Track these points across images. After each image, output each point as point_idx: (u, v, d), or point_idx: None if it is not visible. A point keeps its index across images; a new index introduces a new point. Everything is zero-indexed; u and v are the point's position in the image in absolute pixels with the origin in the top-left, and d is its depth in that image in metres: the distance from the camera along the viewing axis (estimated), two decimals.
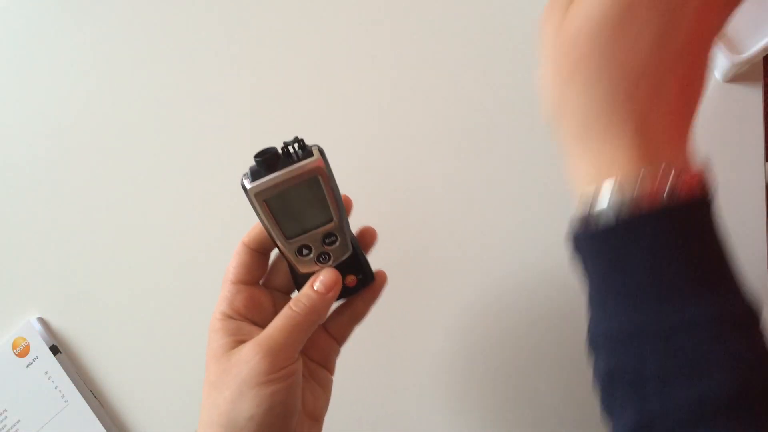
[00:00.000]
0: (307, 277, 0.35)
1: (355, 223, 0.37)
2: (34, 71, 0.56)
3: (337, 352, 0.39)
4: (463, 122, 0.51)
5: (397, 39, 0.53)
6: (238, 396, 0.31)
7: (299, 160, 0.31)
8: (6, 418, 0.51)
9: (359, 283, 0.37)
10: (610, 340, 0.26)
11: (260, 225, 0.35)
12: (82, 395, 0.51)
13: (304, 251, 0.34)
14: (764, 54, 0.47)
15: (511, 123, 0.51)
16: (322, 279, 0.34)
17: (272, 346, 0.32)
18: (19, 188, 0.55)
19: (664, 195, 0.25)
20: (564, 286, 0.49)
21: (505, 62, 0.51)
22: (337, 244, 0.34)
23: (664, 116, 0.26)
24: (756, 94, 0.49)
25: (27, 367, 0.52)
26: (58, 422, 0.51)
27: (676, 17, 0.25)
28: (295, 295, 0.36)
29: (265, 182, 0.31)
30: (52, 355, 0.52)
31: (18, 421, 0.51)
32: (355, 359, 0.49)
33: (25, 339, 0.52)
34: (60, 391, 0.51)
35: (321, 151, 0.31)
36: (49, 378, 0.52)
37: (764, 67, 0.49)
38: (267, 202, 0.31)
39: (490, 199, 0.50)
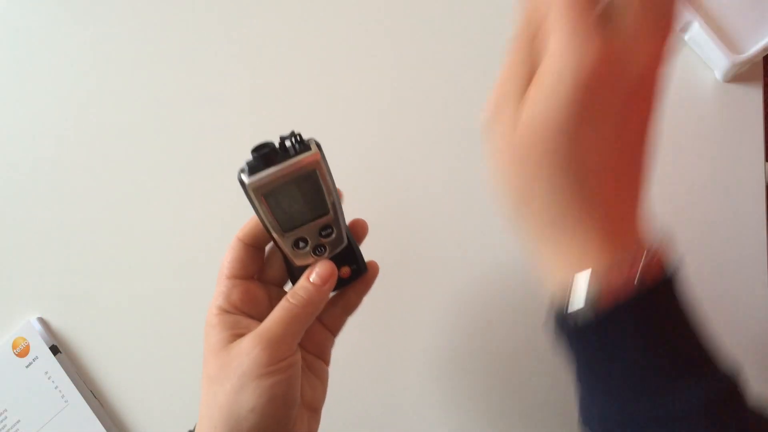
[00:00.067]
0: (302, 269, 0.35)
1: (350, 217, 0.38)
2: (32, 71, 0.56)
3: (332, 343, 0.39)
4: (462, 121, 0.51)
5: (397, 38, 0.53)
6: (239, 388, 0.31)
7: (296, 154, 0.31)
8: (6, 418, 0.51)
9: (353, 274, 0.37)
10: (605, 425, 0.27)
11: (254, 220, 0.35)
12: (82, 395, 0.51)
13: (301, 244, 0.34)
14: (764, 54, 0.47)
15: None
16: (318, 271, 0.35)
17: (272, 338, 0.32)
18: (19, 188, 0.55)
19: (636, 281, 0.25)
20: None
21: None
22: (333, 236, 0.35)
23: (625, 202, 0.27)
24: (756, 94, 0.49)
25: (27, 367, 0.52)
26: (58, 422, 0.51)
27: (628, 112, 0.26)
28: (289, 287, 0.36)
29: (262, 177, 0.31)
30: (52, 355, 0.52)
31: (18, 421, 0.51)
32: (353, 355, 0.49)
33: (25, 339, 0.52)
34: (60, 391, 0.51)
35: (318, 145, 0.32)
36: (49, 378, 0.52)
37: (764, 67, 0.49)
38: (264, 197, 0.31)
39: (488, 197, 0.50)
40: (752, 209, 0.48)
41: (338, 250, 0.35)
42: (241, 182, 0.31)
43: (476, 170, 0.51)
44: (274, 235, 0.34)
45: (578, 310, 0.26)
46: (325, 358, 0.39)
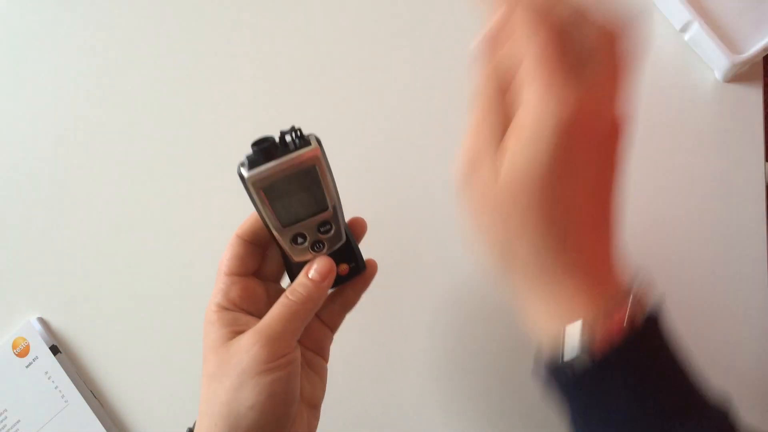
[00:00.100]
0: (300, 265, 0.35)
1: (349, 215, 0.38)
2: (32, 71, 0.56)
3: (330, 340, 0.39)
4: (464, 121, 0.51)
5: (399, 36, 0.53)
6: (238, 385, 0.31)
7: (297, 149, 0.31)
8: (6, 418, 0.51)
9: (351, 271, 0.37)
10: None
11: (254, 216, 0.35)
12: (82, 395, 0.51)
13: (299, 239, 0.34)
14: (764, 54, 0.47)
15: None
16: (316, 267, 0.35)
17: (271, 334, 0.32)
18: (19, 188, 0.55)
19: (625, 324, 0.26)
20: None
21: None
22: (332, 232, 0.35)
23: (604, 248, 0.28)
24: (756, 94, 0.49)
25: (27, 367, 0.52)
26: (58, 422, 0.51)
27: (603, 158, 0.27)
28: (287, 284, 0.37)
29: (262, 171, 0.31)
30: (52, 355, 0.52)
31: (18, 421, 0.51)
32: (352, 354, 0.49)
33: (25, 339, 0.52)
34: (60, 391, 0.51)
35: (318, 141, 0.31)
36: (49, 378, 0.52)
37: (764, 67, 0.49)
38: (264, 191, 0.31)
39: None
40: (752, 209, 0.48)
41: (337, 246, 0.35)
42: (241, 176, 0.31)
43: None
44: (273, 230, 0.33)
45: (573, 359, 0.27)
46: (324, 355, 0.39)
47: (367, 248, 0.38)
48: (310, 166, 0.31)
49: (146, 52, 0.55)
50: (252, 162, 0.31)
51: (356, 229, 0.38)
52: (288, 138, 0.31)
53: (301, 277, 0.35)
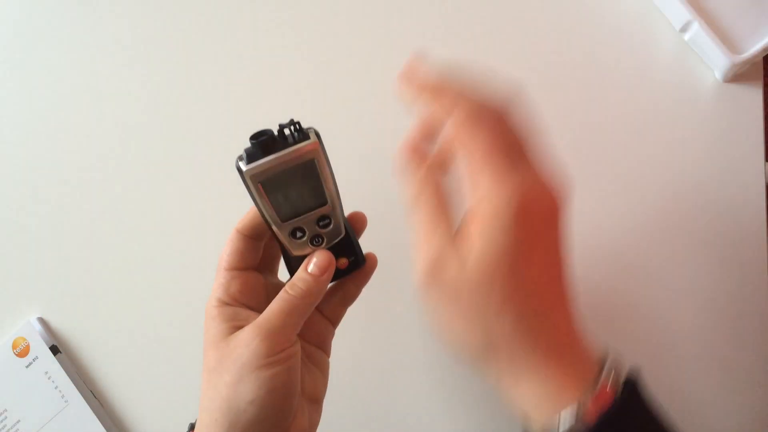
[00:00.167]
0: (299, 260, 0.35)
1: (349, 210, 0.37)
2: (32, 71, 0.56)
3: (332, 334, 0.39)
4: None
5: (399, 32, 0.53)
6: (238, 380, 0.31)
7: (295, 142, 0.30)
8: (6, 418, 0.51)
9: (351, 265, 0.37)
10: None
11: (253, 211, 0.35)
12: (82, 395, 0.51)
13: (298, 234, 0.34)
14: (764, 54, 0.47)
15: None
16: (315, 261, 0.35)
17: (270, 329, 0.32)
18: (19, 188, 0.55)
19: (609, 389, 0.27)
20: None
21: (508, 59, 0.51)
22: (331, 227, 0.34)
23: (574, 320, 0.29)
24: (756, 94, 0.49)
25: (27, 367, 0.52)
26: (58, 422, 0.51)
27: (555, 236, 0.29)
28: (286, 278, 0.36)
29: (260, 165, 0.30)
30: (52, 355, 0.52)
31: (18, 421, 0.51)
32: (353, 352, 0.49)
33: (25, 339, 0.52)
34: (60, 391, 0.51)
35: (317, 134, 0.31)
36: (49, 378, 0.52)
37: (764, 67, 0.49)
38: (262, 185, 0.31)
39: None
40: (752, 209, 0.48)
41: (336, 241, 0.35)
42: (239, 170, 0.31)
43: None
44: (272, 224, 0.33)
45: (568, 430, 0.27)
46: (325, 349, 0.39)
47: (367, 242, 0.38)
48: (309, 159, 0.31)
49: (145, 50, 0.55)
50: (250, 155, 0.30)
51: (356, 223, 0.38)
52: (287, 131, 0.31)
53: (300, 272, 0.35)
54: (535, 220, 0.28)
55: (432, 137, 0.33)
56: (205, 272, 0.53)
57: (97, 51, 0.56)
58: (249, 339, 0.32)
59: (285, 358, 0.32)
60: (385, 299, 0.50)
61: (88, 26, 0.56)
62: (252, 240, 0.36)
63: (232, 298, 0.35)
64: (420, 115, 0.31)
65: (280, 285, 0.35)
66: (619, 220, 0.49)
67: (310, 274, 0.34)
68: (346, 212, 0.36)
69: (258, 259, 0.37)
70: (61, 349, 0.53)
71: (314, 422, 0.36)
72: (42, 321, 0.54)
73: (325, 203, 0.33)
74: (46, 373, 0.52)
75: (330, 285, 0.38)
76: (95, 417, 0.51)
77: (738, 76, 0.49)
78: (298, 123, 0.31)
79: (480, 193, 0.28)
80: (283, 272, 0.38)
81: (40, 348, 0.52)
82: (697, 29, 0.47)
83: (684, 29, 0.49)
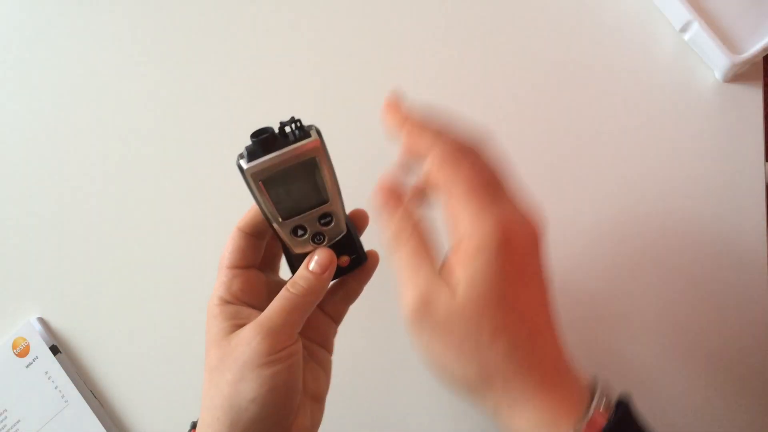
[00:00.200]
0: (301, 257, 0.35)
1: (351, 206, 0.37)
2: (32, 71, 0.56)
3: (334, 332, 0.39)
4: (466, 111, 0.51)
5: (400, 30, 0.53)
6: (239, 378, 0.31)
7: (296, 140, 0.30)
8: (6, 418, 0.51)
9: (352, 263, 0.37)
10: None
11: (254, 209, 0.35)
12: (82, 395, 0.51)
13: (299, 231, 0.34)
14: (764, 54, 0.47)
15: (514, 115, 0.51)
16: (317, 259, 0.35)
17: (272, 327, 0.32)
18: (19, 188, 0.55)
19: (602, 410, 0.28)
20: (561, 281, 0.49)
21: (508, 58, 0.51)
22: (332, 224, 0.34)
23: (561, 344, 0.30)
24: (756, 94, 0.49)
25: (27, 367, 0.52)
26: (58, 422, 0.51)
27: (537, 264, 0.30)
28: (288, 275, 0.36)
29: (261, 162, 0.30)
30: (52, 355, 0.52)
31: (18, 421, 0.51)
32: (355, 352, 0.49)
33: (25, 339, 0.52)
34: (60, 391, 0.51)
35: (318, 132, 0.31)
36: (49, 378, 0.52)
37: (764, 67, 0.49)
38: (263, 183, 0.31)
39: None
40: (752, 209, 0.48)
41: (337, 238, 0.35)
42: (240, 167, 0.31)
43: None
44: (273, 222, 0.33)
45: None
46: (328, 347, 0.39)
47: (369, 240, 0.38)
48: (310, 157, 0.31)
49: (147, 50, 0.55)
50: (251, 153, 0.30)
51: (358, 220, 0.38)
52: (288, 129, 0.31)
53: (301, 270, 0.35)
54: (519, 250, 0.29)
55: (410, 173, 0.34)
56: (205, 272, 0.53)
57: (99, 50, 0.56)
58: (250, 337, 0.32)
59: (286, 357, 0.32)
60: (387, 297, 0.50)
61: (90, 24, 0.56)
62: (253, 238, 0.36)
63: (233, 297, 0.35)
64: (402, 146, 0.32)
65: (282, 283, 0.35)
66: (619, 219, 0.49)
67: (311, 272, 0.34)
68: (348, 210, 0.36)
69: (260, 257, 0.37)
70: (61, 349, 0.53)
71: (316, 420, 0.36)
72: (42, 321, 0.54)
73: (326, 201, 0.33)
74: (46, 373, 0.52)
75: (332, 283, 0.38)
76: (95, 417, 0.51)
77: (738, 76, 0.49)
78: (299, 121, 0.31)
79: (462, 229, 0.29)
80: (284, 270, 0.38)
81: (40, 348, 0.52)
82: (697, 29, 0.47)
83: (684, 29, 0.49)
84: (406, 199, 0.32)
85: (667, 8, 0.49)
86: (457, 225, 0.29)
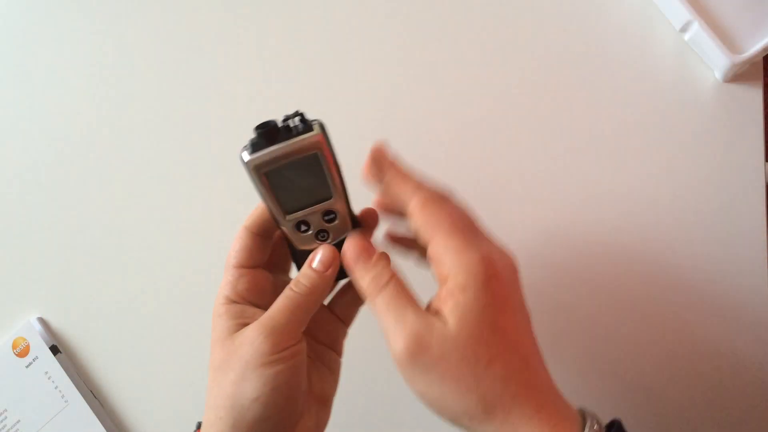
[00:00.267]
0: (305, 254, 0.35)
1: (361, 206, 0.37)
2: (32, 70, 0.56)
3: (344, 334, 0.39)
4: (470, 111, 0.51)
5: (406, 27, 0.53)
6: (242, 378, 0.31)
7: (299, 134, 0.30)
8: (6, 418, 0.51)
9: None
10: None
11: (261, 208, 0.35)
12: (82, 395, 0.51)
13: (303, 227, 0.34)
14: (764, 54, 0.47)
15: (517, 113, 0.51)
16: (320, 257, 0.34)
17: (274, 326, 0.32)
18: (19, 188, 0.55)
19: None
20: (563, 281, 0.49)
21: (508, 58, 0.51)
22: (337, 222, 0.34)
23: (546, 370, 0.31)
24: (756, 94, 0.49)
25: (27, 367, 0.52)
26: (58, 422, 0.51)
27: (518, 293, 0.32)
28: (294, 274, 0.36)
29: (262, 155, 0.30)
30: (52, 355, 0.52)
31: (18, 421, 0.51)
32: (358, 352, 0.49)
33: (25, 339, 0.52)
34: (60, 391, 0.51)
35: (322, 126, 0.31)
36: (49, 378, 0.52)
37: (764, 67, 0.49)
38: (265, 176, 0.31)
39: (497, 190, 0.50)
40: (752, 209, 0.48)
41: (343, 237, 0.35)
42: (241, 159, 0.31)
43: (486, 161, 0.51)
44: (276, 216, 0.33)
45: None
46: (337, 349, 0.39)
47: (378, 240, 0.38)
48: (312, 152, 0.31)
49: (149, 49, 0.55)
50: (254, 146, 0.30)
51: (368, 221, 0.37)
52: (291, 123, 0.31)
53: (304, 268, 0.35)
54: (502, 282, 0.30)
55: (389, 218, 0.36)
56: (205, 272, 0.53)
57: (102, 48, 0.56)
58: (253, 336, 0.32)
59: (289, 356, 0.32)
60: None
61: (94, 22, 0.56)
62: (260, 237, 0.36)
63: (239, 296, 0.34)
64: (383, 191, 0.34)
65: (289, 283, 0.35)
66: (618, 219, 0.49)
67: (313, 270, 0.34)
68: (358, 210, 0.36)
69: (266, 257, 0.37)
70: (61, 349, 0.53)
71: (322, 422, 0.36)
72: (42, 321, 0.54)
73: (329, 197, 0.33)
74: (46, 373, 0.52)
75: (342, 283, 0.38)
76: (95, 417, 0.51)
77: (738, 76, 0.49)
78: (303, 114, 0.31)
79: (448, 267, 0.30)
80: (294, 271, 0.38)
81: (40, 348, 0.52)
82: (697, 29, 0.47)
83: (684, 29, 0.49)
84: (378, 252, 0.33)
85: (667, 8, 0.49)
86: (442, 264, 0.30)
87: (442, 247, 0.31)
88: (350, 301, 0.39)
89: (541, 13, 0.51)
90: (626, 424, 0.30)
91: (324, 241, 0.35)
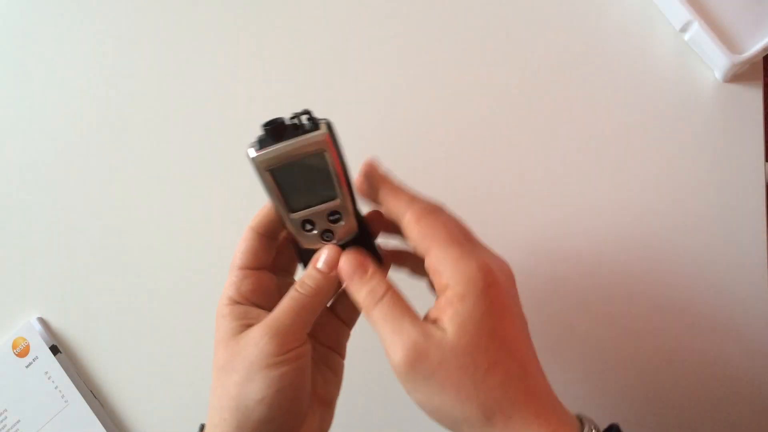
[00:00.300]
0: (310, 253, 0.35)
1: (370, 208, 0.37)
2: (33, 70, 0.56)
3: (347, 336, 0.39)
4: (479, 109, 0.51)
5: (414, 27, 0.53)
6: (246, 379, 0.31)
7: (305, 132, 0.30)
8: (6, 418, 0.51)
9: None
10: None
11: (266, 208, 0.35)
12: (82, 395, 0.51)
13: (308, 226, 0.34)
14: (764, 54, 0.47)
15: (521, 111, 0.51)
16: (324, 257, 0.34)
17: (280, 327, 0.32)
18: (19, 188, 0.55)
19: None
20: (566, 279, 0.49)
21: (507, 58, 0.51)
22: (342, 222, 0.34)
23: (544, 376, 0.32)
24: (756, 94, 0.49)
25: (27, 367, 0.52)
26: (58, 422, 0.51)
27: (515, 300, 0.32)
28: (299, 274, 0.36)
29: (268, 152, 0.30)
30: (52, 355, 0.52)
31: (18, 421, 0.51)
32: (361, 353, 0.49)
33: (25, 339, 0.52)
34: (60, 391, 0.51)
35: (329, 126, 0.31)
36: (49, 378, 0.52)
37: (764, 67, 0.49)
38: (270, 172, 0.31)
39: (504, 189, 0.50)
40: (752, 209, 0.48)
41: (348, 238, 0.34)
42: (248, 156, 0.31)
43: (486, 160, 0.51)
44: (282, 213, 0.33)
45: None
46: (339, 351, 0.38)
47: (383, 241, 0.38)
48: (318, 151, 0.31)
49: (147, 49, 0.55)
50: (261, 142, 0.30)
51: (375, 223, 0.37)
52: (299, 121, 0.31)
53: (309, 269, 0.35)
54: (500, 290, 0.30)
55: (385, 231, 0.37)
56: (205, 271, 0.53)
57: (102, 48, 0.56)
58: (258, 338, 0.32)
59: (294, 358, 0.32)
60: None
61: (94, 22, 0.56)
62: (266, 238, 0.36)
63: (243, 297, 0.34)
64: (380, 203, 0.34)
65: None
66: (618, 219, 0.49)
67: (318, 270, 0.34)
68: (366, 210, 0.36)
69: (271, 258, 0.37)
70: (61, 349, 0.53)
71: (326, 424, 0.36)
72: (42, 321, 0.54)
73: (335, 198, 0.33)
74: (46, 373, 0.52)
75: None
76: (95, 417, 0.51)
77: (738, 76, 0.49)
78: (310, 112, 0.31)
79: (447, 277, 0.30)
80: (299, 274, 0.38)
81: (40, 348, 0.52)
82: (697, 29, 0.47)
83: (684, 29, 0.49)
84: (374, 267, 0.33)
85: (667, 8, 0.49)
86: (441, 274, 0.31)
87: (440, 257, 0.31)
88: (352, 303, 0.38)
89: (541, 13, 0.51)
90: (625, 429, 0.31)
91: (329, 241, 0.34)
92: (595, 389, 0.49)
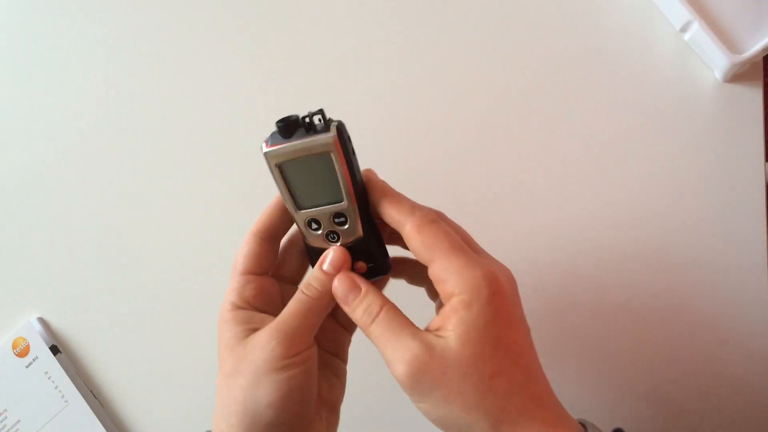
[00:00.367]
0: (316, 251, 0.35)
1: None
2: (33, 70, 0.56)
3: (348, 341, 0.39)
4: (487, 110, 0.51)
5: (405, 25, 0.53)
6: (254, 383, 0.31)
7: (316, 133, 0.30)
8: (6, 418, 0.51)
9: (370, 271, 0.36)
10: None
11: (268, 213, 0.35)
12: (82, 395, 0.51)
13: (314, 225, 0.34)
14: (764, 54, 0.47)
15: (524, 110, 0.51)
16: (330, 259, 0.34)
17: (287, 331, 0.32)
18: (19, 188, 0.55)
19: None
20: (569, 279, 0.49)
21: (507, 58, 0.51)
22: (347, 226, 0.34)
23: (547, 381, 0.32)
24: (756, 94, 0.49)
25: (27, 367, 0.52)
26: (58, 422, 0.51)
27: (518, 307, 0.32)
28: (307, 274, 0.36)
29: (278, 148, 0.31)
30: (52, 355, 0.52)
31: (18, 421, 0.51)
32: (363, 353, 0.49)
33: (25, 339, 0.52)
34: (60, 391, 0.51)
35: (339, 128, 0.31)
36: (49, 378, 0.52)
37: (764, 67, 0.49)
38: (279, 168, 0.32)
39: (509, 191, 0.50)
40: (752, 209, 0.48)
41: (352, 241, 0.34)
42: (261, 149, 0.31)
43: (486, 160, 0.51)
44: (290, 208, 0.34)
45: None
46: (342, 356, 0.38)
47: (392, 248, 0.37)
48: (324, 152, 0.31)
49: (148, 49, 0.55)
50: (274, 137, 0.31)
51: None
52: (311, 120, 0.31)
53: (315, 272, 0.34)
54: (505, 297, 0.30)
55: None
56: (205, 272, 0.53)
57: (102, 48, 0.56)
58: (265, 341, 0.32)
59: (301, 361, 0.32)
60: (404, 302, 0.50)
61: (94, 22, 0.56)
62: (268, 243, 0.35)
63: (245, 303, 0.34)
64: (382, 211, 0.34)
65: (296, 291, 0.35)
66: (617, 218, 0.49)
67: (324, 272, 0.34)
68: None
69: (273, 263, 0.36)
70: (61, 349, 0.53)
71: (332, 428, 0.36)
72: (42, 321, 0.54)
73: (340, 201, 0.33)
74: (46, 373, 0.52)
75: None
76: (95, 417, 0.51)
77: (738, 76, 0.49)
78: (323, 112, 0.31)
79: (452, 286, 0.30)
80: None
81: (40, 348, 0.52)
82: (697, 29, 0.47)
83: (684, 29, 0.49)
84: (366, 286, 0.33)
85: (667, 8, 0.49)
86: (446, 283, 0.31)
87: (445, 266, 0.31)
88: None
89: (541, 13, 0.51)
90: None
91: (334, 242, 0.34)
92: (596, 390, 0.49)
